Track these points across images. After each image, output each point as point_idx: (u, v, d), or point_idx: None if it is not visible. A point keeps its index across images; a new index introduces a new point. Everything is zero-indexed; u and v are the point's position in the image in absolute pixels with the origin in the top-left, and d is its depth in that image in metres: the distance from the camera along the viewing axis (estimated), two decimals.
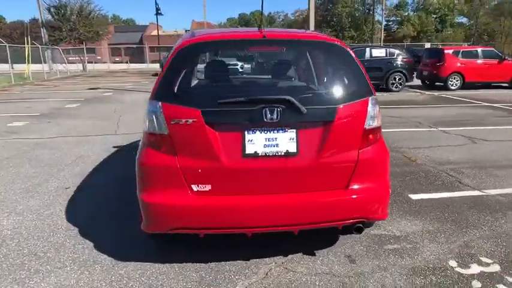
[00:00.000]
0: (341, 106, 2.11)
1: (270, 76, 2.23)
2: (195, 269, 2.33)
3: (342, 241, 2.65)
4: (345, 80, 2.22)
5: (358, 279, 2.24)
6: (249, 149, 2.06)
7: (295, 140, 2.08)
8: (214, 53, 2.38)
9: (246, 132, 2.06)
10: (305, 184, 2.13)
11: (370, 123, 2.17)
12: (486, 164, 4.43)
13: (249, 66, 7.87)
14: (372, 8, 60.37)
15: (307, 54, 2.41)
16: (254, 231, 2.15)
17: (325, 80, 2.32)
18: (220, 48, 2.37)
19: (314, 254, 2.50)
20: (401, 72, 12.73)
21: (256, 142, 2.06)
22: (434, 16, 66.68)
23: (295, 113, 2.04)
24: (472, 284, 2.18)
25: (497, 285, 2.15)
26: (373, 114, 2.18)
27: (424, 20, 65.03)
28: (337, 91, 2.20)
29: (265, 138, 2.07)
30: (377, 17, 65.09)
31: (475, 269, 2.32)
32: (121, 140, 5.76)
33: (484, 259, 2.42)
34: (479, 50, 13.27)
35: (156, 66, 31.02)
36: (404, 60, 12.93)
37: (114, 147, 5.40)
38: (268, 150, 2.07)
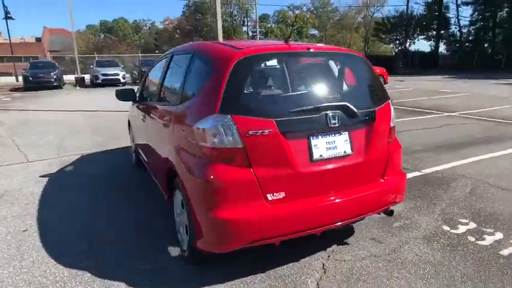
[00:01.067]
0: (378, 108, 2.46)
1: (303, 85, 2.44)
2: (259, 280, 2.33)
3: (358, 230, 2.99)
4: (373, 86, 2.59)
5: (396, 254, 2.62)
6: (316, 154, 2.22)
7: (348, 141, 2.34)
8: (265, 65, 2.43)
9: (311, 138, 2.21)
10: (357, 179, 2.41)
11: (393, 121, 2.59)
12: (406, 151, 5.49)
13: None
14: (240, 19, 64.21)
15: (339, 64, 2.69)
16: (323, 229, 2.30)
17: (357, 87, 2.64)
18: (273, 59, 2.44)
19: (347, 243, 2.78)
20: None
21: (320, 146, 2.24)
22: (292, 28, 75.17)
23: (349, 117, 2.30)
24: (468, 239, 2.81)
25: (483, 236, 2.84)
26: (393, 114, 2.61)
27: (285, 32, 72.53)
28: (372, 96, 2.55)
29: (326, 142, 2.26)
30: (244, 28, 69.50)
31: (462, 228, 2.99)
32: (44, 167, 4.90)
33: (462, 220, 3.13)
34: None
35: (9, 79, 26.23)
36: None
37: (43, 176, 4.58)
38: (330, 153, 2.27)
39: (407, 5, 35.04)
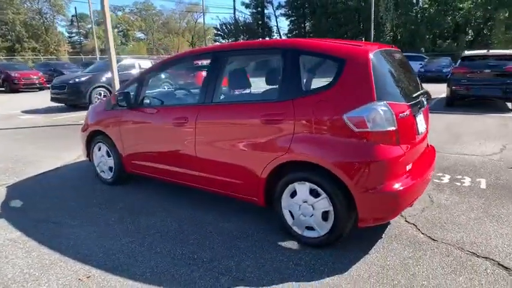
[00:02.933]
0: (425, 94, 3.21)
1: (404, 75, 2.97)
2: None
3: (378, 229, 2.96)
4: (415, 75, 3.30)
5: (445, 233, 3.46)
6: (420, 129, 2.78)
7: (422, 120, 2.99)
8: (383, 59, 2.72)
9: (416, 117, 2.75)
10: (424, 148, 3.09)
11: None
12: None
13: None
14: (52, 17, 55.83)
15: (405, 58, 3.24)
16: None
17: (409, 77, 3.26)
18: (385, 55, 2.75)
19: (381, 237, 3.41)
20: None
21: (419, 123, 2.81)
22: (117, 30, 70.38)
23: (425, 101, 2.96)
24: (456, 183, 3.94)
25: (462, 181, 4.03)
26: None
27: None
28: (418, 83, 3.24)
29: (419, 120, 2.85)
30: (59, 28, 60.78)
31: (445, 179, 4.12)
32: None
33: (439, 174, 4.28)
34: None
35: None
36: None
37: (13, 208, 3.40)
38: (421, 128, 2.86)
39: (234, 13, 38.75)
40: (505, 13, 27.21)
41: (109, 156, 4.05)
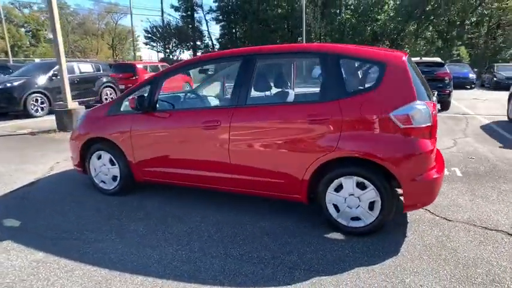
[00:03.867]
0: None
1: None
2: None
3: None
4: None
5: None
6: None
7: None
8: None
9: None
10: None
11: None
12: None
13: None
14: None
15: None
16: None
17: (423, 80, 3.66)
18: (409, 61, 3.04)
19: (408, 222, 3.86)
20: (110, 87, 12.95)
21: None
22: (24, 30, 63.43)
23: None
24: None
25: None
26: None
27: (15, 34, 60.33)
28: None
29: None
30: None
31: None
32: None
33: None
34: (160, 65, 16.02)
35: None
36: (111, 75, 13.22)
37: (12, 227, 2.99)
38: None
39: (162, 16, 37.69)
40: (413, 25, 31.14)
41: (113, 164, 3.80)
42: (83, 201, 3.75)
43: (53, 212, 3.50)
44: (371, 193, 2.78)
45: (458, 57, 29.82)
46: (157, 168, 3.57)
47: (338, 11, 33.39)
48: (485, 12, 30.21)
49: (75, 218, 3.36)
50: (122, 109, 3.74)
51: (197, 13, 42.38)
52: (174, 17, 44.38)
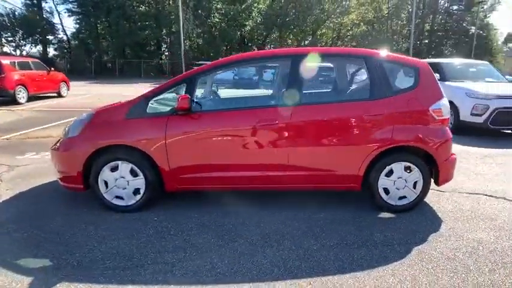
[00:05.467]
0: None
1: None
2: None
3: None
4: None
5: None
6: None
7: None
8: None
9: None
10: None
11: None
12: None
13: None
14: None
15: None
16: None
17: None
18: None
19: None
20: None
21: None
22: None
23: None
24: None
25: None
26: None
27: None
28: None
29: None
30: None
31: None
32: None
33: None
34: (30, 61, 13.32)
35: None
36: None
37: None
38: None
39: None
40: (276, 33, 34.65)
41: (135, 176, 3.31)
42: (97, 223, 3.15)
43: (64, 238, 2.84)
44: (415, 174, 3.36)
45: None
46: (201, 173, 3.31)
47: (208, 14, 34.11)
48: (332, 26, 36.19)
49: (103, 242, 2.82)
50: (148, 111, 3.29)
51: (46, 2, 36.46)
52: (13, 5, 36.84)
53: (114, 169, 3.31)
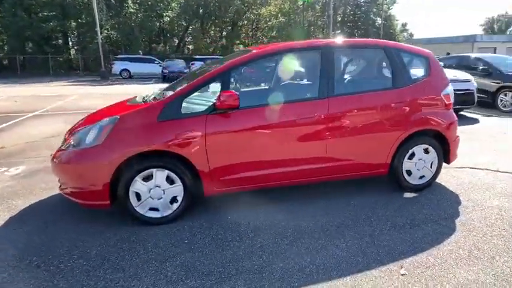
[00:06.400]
0: None
1: None
2: None
3: None
4: None
5: None
6: None
7: None
8: None
9: None
10: None
11: None
12: None
13: None
14: None
15: None
16: None
17: None
18: None
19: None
20: None
21: None
22: None
23: None
24: None
25: None
26: None
27: None
28: None
29: None
30: None
31: None
32: None
33: None
34: None
35: None
36: None
37: None
38: None
39: None
40: (198, 24, 33.85)
41: (171, 183, 3.01)
42: (150, 238, 2.82)
43: (137, 260, 2.50)
44: (432, 155, 3.69)
45: None
46: (242, 173, 3.16)
47: (122, 4, 31.59)
48: (252, 17, 36.67)
49: (184, 256, 2.57)
50: (182, 111, 3.00)
51: None
52: None
53: (146, 178, 2.96)
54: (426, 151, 3.68)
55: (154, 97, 3.33)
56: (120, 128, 2.92)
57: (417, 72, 3.71)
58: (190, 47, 35.24)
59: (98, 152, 2.87)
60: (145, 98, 3.39)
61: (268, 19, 41.33)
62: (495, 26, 63.72)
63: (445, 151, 3.77)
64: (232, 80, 3.16)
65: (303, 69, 3.55)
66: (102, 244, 2.75)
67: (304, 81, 3.43)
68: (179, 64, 22.55)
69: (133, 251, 2.66)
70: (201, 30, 34.43)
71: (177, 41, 35.16)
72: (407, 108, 3.50)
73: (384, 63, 3.66)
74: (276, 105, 3.18)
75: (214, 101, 3.00)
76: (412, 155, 3.64)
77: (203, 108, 3.06)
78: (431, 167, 3.73)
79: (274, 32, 39.31)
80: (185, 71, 21.59)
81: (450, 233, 2.90)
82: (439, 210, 3.31)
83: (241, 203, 3.42)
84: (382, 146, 3.50)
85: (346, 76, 3.79)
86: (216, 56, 27.81)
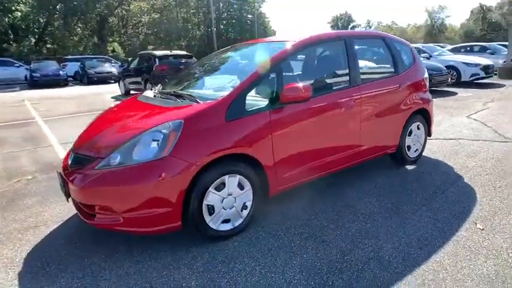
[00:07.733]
0: None
1: None
2: None
3: None
4: None
5: None
6: None
7: None
8: None
9: None
10: None
11: None
12: None
13: None
14: None
15: None
16: None
17: None
18: None
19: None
20: None
21: None
22: None
23: None
24: None
25: None
26: None
27: None
28: None
29: None
30: None
31: None
32: None
33: None
34: None
35: None
36: None
37: None
38: None
39: None
40: (61, 20, 29.50)
41: (241, 188, 2.76)
42: (237, 257, 2.53)
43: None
44: (421, 130, 4.32)
45: (115, 53, 32.06)
46: (300, 168, 3.10)
47: None
48: (124, 13, 33.93)
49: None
50: (247, 108, 2.74)
51: None
52: None
53: (218, 187, 2.63)
54: (418, 127, 4.27)
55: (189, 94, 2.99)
56: (187, 133, 2.49)
57: (407, 60, 4.25)
58: (51, 46, 30.47)
59: (166, 164, 2.39)
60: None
61: (139, 15, 39.09)
62: (339, 23, 74.80)
63: (429, 126, 4.44)
64: (282, 72, 3.03)
65: (336, 59, 3.66)
66: (194, 274, 2.34)
67: (340, 71, 3.55)
68: (52, 66, 19.36)
69: (236, 279, 2.35)
70: (66, 27, 30.10)
71: (34, 40, 29.92)
72: (408, 91, 4.01)
73: (385, 51, 4.07)
74: (329, 94, 3.27)
75: (274, 95, 2.85)
76: (411, 132, 4.18)
77: (263, 103, 2.86)
78: (420, 141, 4.35)
79: (146, 28, 37.57)
80: (61, 73, 18.75)
81: (470, 200, 3.28)
82: (442, 179, 3.84)
83: (285, 202, 3.36)
84: (397, 126, 3.94)
85: (364, 64, 4.08)
86: (94, 56, 24.91)
